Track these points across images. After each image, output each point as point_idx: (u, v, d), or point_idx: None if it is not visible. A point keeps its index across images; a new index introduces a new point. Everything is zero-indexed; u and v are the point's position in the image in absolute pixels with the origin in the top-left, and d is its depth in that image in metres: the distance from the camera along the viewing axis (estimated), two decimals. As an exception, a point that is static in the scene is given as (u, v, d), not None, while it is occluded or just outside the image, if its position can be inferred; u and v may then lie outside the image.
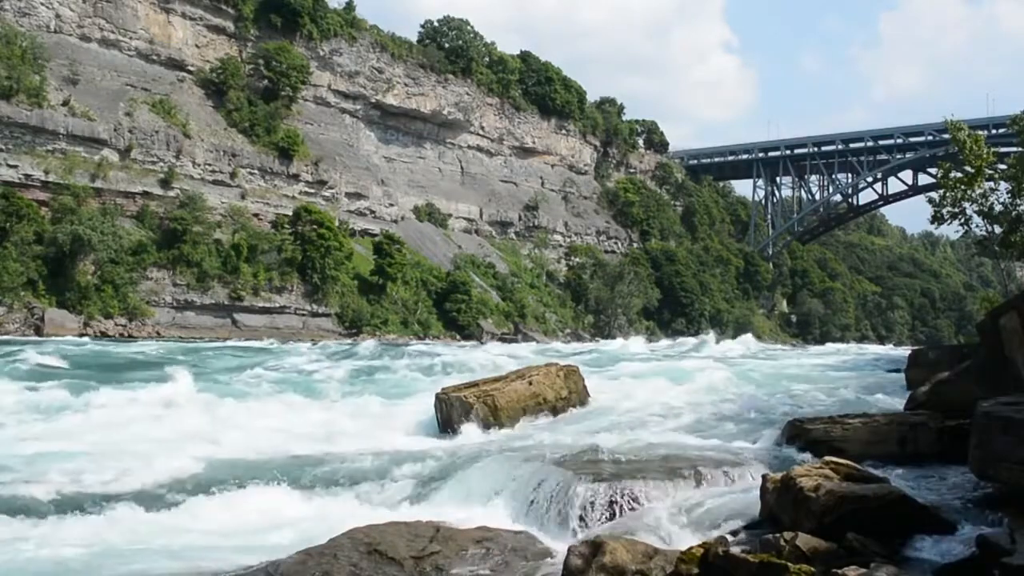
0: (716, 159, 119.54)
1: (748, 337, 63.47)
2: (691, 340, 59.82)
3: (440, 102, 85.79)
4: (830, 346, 69.17)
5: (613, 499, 8.57)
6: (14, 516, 9.11)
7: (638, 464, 9.91)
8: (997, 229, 25.79)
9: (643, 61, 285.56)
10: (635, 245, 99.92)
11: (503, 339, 68.80)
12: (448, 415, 14.48)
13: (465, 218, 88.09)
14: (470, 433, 13.84)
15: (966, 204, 25.23)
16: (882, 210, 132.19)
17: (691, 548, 6.23)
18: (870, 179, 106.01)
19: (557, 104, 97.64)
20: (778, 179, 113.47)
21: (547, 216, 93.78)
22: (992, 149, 26.46)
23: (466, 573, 7.22)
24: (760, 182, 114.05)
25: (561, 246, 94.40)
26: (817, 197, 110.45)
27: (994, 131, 62.35)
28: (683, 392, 18.70)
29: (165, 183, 59.38)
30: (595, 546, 6.53)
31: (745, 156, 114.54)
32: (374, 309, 66.28)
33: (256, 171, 66.69)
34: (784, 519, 7.20)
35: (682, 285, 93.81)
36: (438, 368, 26.01)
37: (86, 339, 44.48)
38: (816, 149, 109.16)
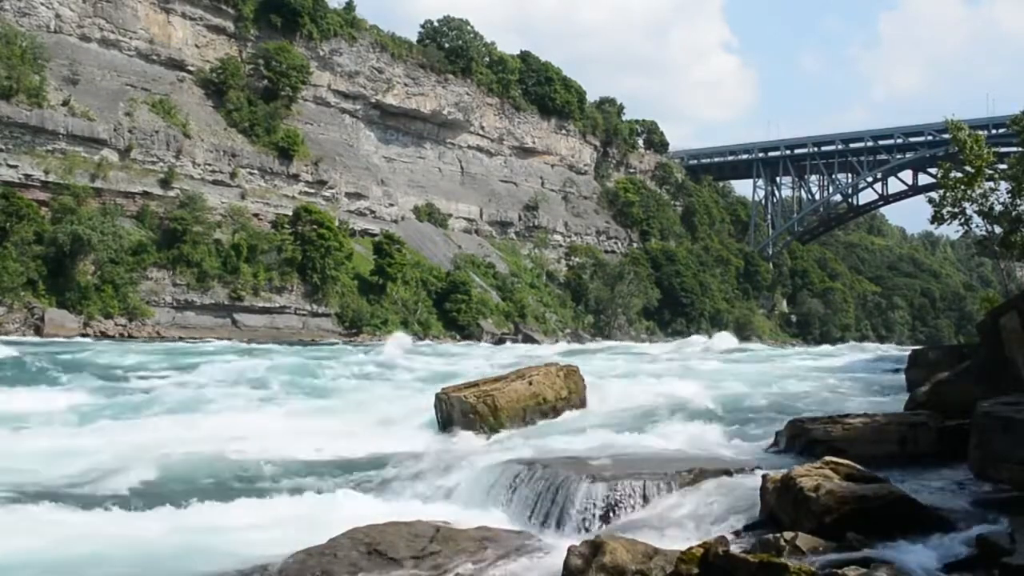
0: (716, 159, 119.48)
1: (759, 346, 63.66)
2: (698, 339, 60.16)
3: (440, 102, 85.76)
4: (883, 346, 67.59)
5: (613, 499, 8.57)
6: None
7: (638, 464, 9.91)
8: (997, 229, 25.72)
9: (643, 61, 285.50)
10: (635, 245, 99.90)
11: (503, 339, 68.82)
12: (448, 415, 14.48)
13: (465, 218, 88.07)
14: (470, 433, 13.83)
15: (966, 204, 25.14)
16: (882, 210, 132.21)
17: (691, 548, 6.23)
18: (870, 179, 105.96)
19: (557, 104, 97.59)
20: (778, 179, 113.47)
21: (547, 216, 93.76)
22: (992, 149, 26.40)
23: (466, 573, 7.22)
24: (760, 182, 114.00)
25: (561, 246, 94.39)
26: (817, 197, 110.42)
27: (994, 131, 62.25)
28: (683, 392, 18.70)
29: (165, 183, 59.36)
30: (595, 546, 6.53)
31: (745, 156, 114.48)
32: (374, 309, 66.26)
33: (256, 171, 66.67)
34: (784, 519, 7.20)
35: (682, 285, 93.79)
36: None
37: (87, 339, 44.55)
38: (816, 149, 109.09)
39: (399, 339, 43.93)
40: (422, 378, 23.59)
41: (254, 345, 42.08)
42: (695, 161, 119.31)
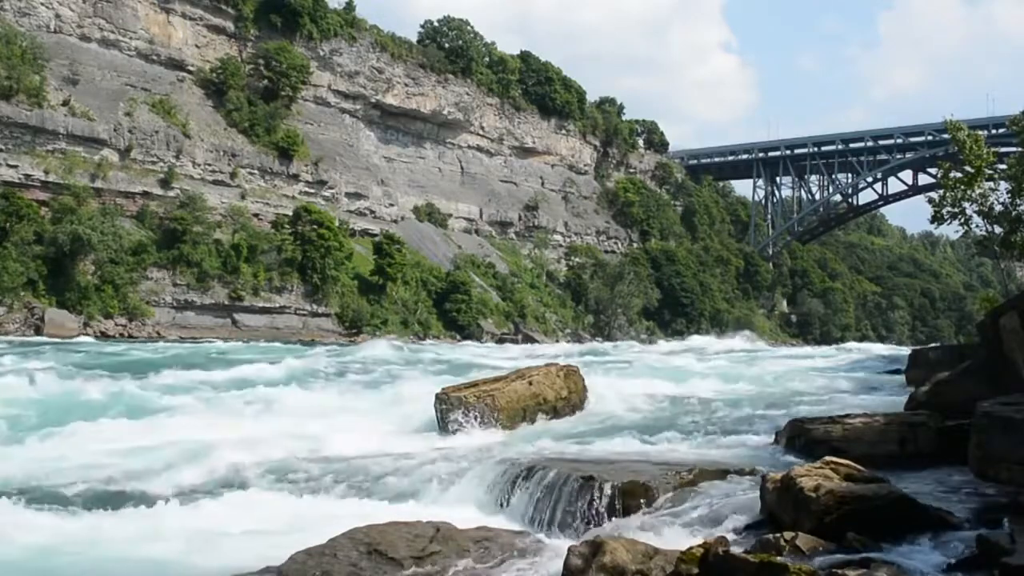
0: (716, 159, 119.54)
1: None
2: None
3: (440, 102, 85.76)
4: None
5: (613, 499, 8.56)
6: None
7: (638, 464, 9.91)
8: (997, 229, 25.69)
9: (642, 61, 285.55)
10: (635, 245, 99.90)
11: (503, 339, 68.82)
12: (448, 415, 14.47)
13: (465, 218, 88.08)
14: (470, 433, 13.83)
15: (966, 204, 25.11)
16: (882, 210, 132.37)
17: (691, 548, 6.22)
18: (870, 179, 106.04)
19: (557, 104, 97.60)
20: (778, 179, 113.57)
21: (547, 216, 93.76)
22: (992, 149, 26.38)
23: (466, 573, 7.22)
24: (760, 182, 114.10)
25: (561, 246, 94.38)
26: (817, 197, 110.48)
27: (994, 131, 62.25)
28: (683, 392, 18.71)
29: (165, 183, 59.38)
30: (595, 546, 6.52)
31: (745, 156, 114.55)
32: (374, 309, 66.25)
33: (256, 171, 66.69)
34: (784, 519, 7.20)
35: (682, 285, 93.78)
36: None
37: (87, 339, 44.52)
38: (816, 149, 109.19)
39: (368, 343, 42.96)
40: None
41: (240, 344, 41.98)
42: (695, 161, 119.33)
